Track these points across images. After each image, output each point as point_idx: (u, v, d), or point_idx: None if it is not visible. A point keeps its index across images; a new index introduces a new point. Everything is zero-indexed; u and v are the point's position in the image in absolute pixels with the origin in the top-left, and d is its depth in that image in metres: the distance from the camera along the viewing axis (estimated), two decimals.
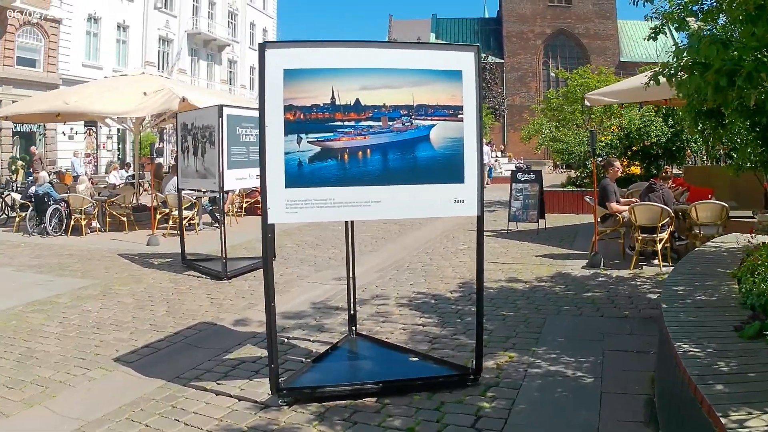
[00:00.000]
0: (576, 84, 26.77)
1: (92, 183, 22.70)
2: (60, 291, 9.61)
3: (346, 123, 5.01)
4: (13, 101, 23.00)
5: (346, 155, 5.04)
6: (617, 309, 7.99)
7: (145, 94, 14.94)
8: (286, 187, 4.91)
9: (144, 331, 7.53)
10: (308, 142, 4.96)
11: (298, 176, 4.94)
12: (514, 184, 15.51)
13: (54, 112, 16.06)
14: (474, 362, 5.61)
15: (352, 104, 4.99)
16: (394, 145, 5.10)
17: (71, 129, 31.82)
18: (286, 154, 4.91)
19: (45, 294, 9.41)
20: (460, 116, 5.20)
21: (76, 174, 26.35)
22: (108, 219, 16.65)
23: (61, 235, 15.39)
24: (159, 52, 40.74)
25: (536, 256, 11.99)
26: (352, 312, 6.68)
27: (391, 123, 5.09)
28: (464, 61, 5.22)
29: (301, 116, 4.92)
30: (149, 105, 14.85)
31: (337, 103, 4.97)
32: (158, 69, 38.43)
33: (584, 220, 16.35)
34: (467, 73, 5.20)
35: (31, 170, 24.82)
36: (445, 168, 5.18)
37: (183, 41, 42.79)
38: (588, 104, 15.92)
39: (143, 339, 7.24)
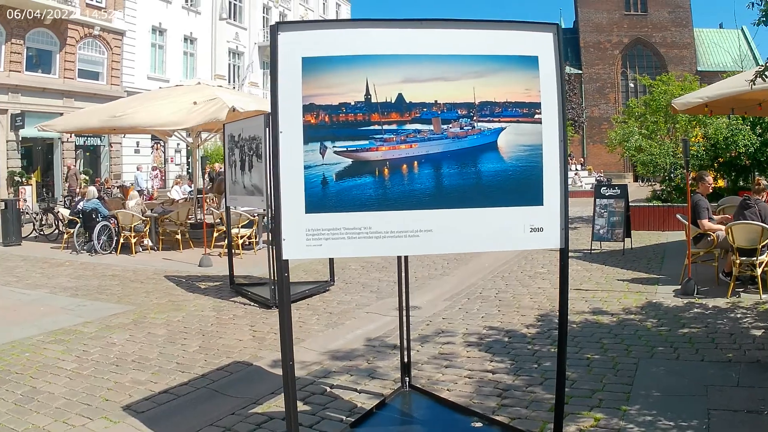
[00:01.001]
0: (659, 91, 25.00)
1: (151, 198, 22.31)
2: (89, 318, 8.77)
3: (385, 127, 3.81)
4: None
5: (385, 170, 3.83)
6: (719, 350, 6.71)
7: (195, 103, 14.10)
8: (307, 211, 3.74)
9: (168, 372, 6.55)
10: (335, 152, 3.78)
11: (322, 198, 3.76)
12: (598, 200, 14.16)
13: (98, 127, 15.44)
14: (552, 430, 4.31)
15: (393, 102, 3.79)
16: (450, 155, 3.88)
17: (137, 143, 31.69)
18: (306, 168, 3.74)
19: (71, 321, 8.59)
20: (537, 116, 3.93)
21: (139, 189, 26.08)
22: (161, 237, 15.89)
23: (110, 253, 14.70)
24: (229, 65, 40.53)
25: (622, 280, 10.66)
26: (406, 360, 5.47)
27: (445, 126, 3.86)
28: (540, 44, 3.95)
29: (326, 119, 3.75)
30: (197, 116, 13.97)
31: (374, 100, 3.77)
32: (229, 82, 38.15)
33: (671, 238, 15.20)
34: (545, 59, 3.94)
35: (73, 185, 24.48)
36: (519, 185, 3.92)
37: (254, 54, 42.50)
38: (677, 108, 14.39)
39: (164, 382, 6.25)
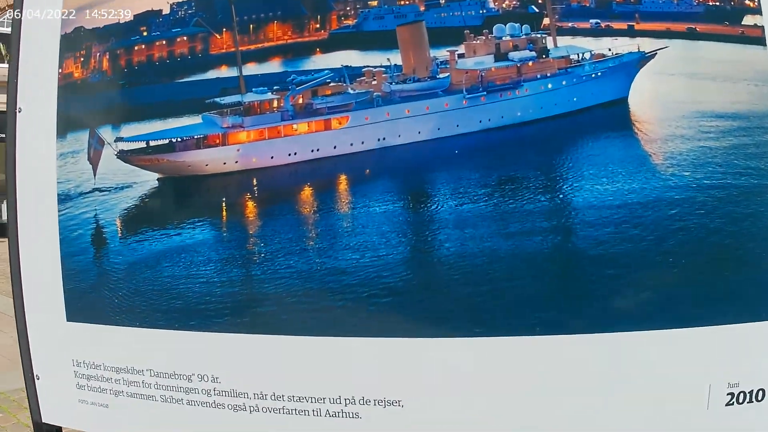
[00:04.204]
0: None
1: None
2: None
3: (253, 69, 1.25)
4: None
5: (249, 203, 1.24)
6: None
7: None
8: (70, 317, 1.33)
9: None
10: (120, 154, 1.29)
11: (95, 284, 1.31)
12: None
13: None
14: None
15: None
16: (464, 150, 1.19)
17: None
18: (62, 200, 1.31)
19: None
20: (753, 22, 1.12)
21: None
22: None
23: None
24: None
25: None
26: None
27: (444, 57, 1.20)
28: None
29: (105, 62, 1.30)
30: None
31: None
32: None
33: None
34: None
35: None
36: (699, 254, 1.08)
37: None
38: None
39: None
